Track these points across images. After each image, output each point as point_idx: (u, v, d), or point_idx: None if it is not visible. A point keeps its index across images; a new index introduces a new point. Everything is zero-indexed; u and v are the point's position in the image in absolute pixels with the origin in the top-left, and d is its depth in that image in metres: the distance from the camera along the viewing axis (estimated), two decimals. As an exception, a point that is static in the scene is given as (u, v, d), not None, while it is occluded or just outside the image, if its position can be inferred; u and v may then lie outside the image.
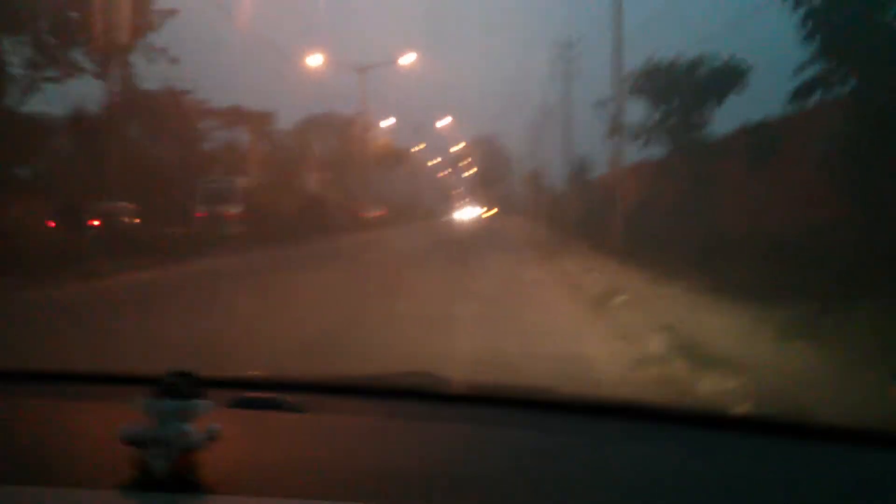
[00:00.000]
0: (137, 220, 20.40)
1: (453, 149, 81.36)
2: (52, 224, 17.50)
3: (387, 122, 53.67)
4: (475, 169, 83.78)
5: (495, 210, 72.10)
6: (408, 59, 41.02)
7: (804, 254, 9.04)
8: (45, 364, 2.33)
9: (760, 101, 13.04)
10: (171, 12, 22.13)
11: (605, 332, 7.31)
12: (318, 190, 37.40)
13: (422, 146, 69.14)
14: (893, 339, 5.43)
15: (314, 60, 37.70)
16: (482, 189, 78.13)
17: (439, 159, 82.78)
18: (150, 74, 22.79)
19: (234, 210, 24.11)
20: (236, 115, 32.14)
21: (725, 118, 14.75)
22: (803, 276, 8.12)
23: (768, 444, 1.56)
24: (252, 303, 9.63)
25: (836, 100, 9.25)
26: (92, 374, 2.22)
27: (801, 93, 9.41)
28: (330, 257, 19.46)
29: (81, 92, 21.50)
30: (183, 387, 1.17)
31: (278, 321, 8.07)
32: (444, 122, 66.36)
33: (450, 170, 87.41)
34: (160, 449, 1.12)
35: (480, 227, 46.74)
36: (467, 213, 67.80)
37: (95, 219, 18.37)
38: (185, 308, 9.60)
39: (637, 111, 16.94)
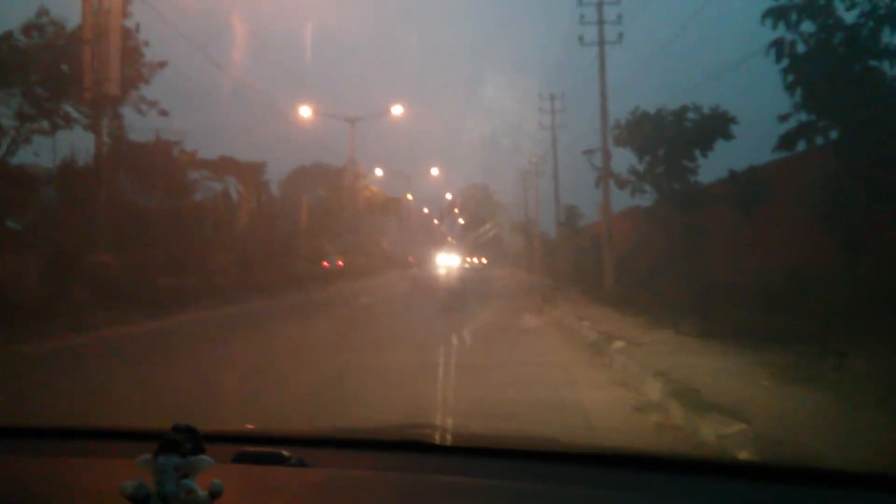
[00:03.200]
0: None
1: (444, 198, 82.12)
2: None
3: (377, 172, 54.22)
4: (466, 217, 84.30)
5: (486, 257, 72.37)
6: (397, 110, 41.57)
7: (796, 299, 9.05)
8: (47, 420, 2.29)
9: (753, 144, 13.10)
10: (161, 65, 22.30)
11: (603, 379, 7.25)
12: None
13: (411, 196, 69.79)
14: (893, 381, 5.40)
15: (304, 112, 38.25)
16: (473, 237, 78.46)
17: (426, 210, 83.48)
18: (140, 126, 22.93)
19: (340, 260, 39.90)
20: (227, 166, 32.27)
21: (715, 164, 14.85)
22: (797, 320, 8.12)
23: (775, 491, 1.54)
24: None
25: (821, 147, 9.36)
26: (94, 430, 2.19)
27: (785, 141, 9.53)
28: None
29: (71, 143, 21.62)
30: (185, 443, 1.14)
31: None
32: (434, 172, 67.06)
33: (440, 218, 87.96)
34: None
35: (472, 274, 46.86)
36: (458, 261, 67.92)
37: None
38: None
39: (625, 159, 17.06)
